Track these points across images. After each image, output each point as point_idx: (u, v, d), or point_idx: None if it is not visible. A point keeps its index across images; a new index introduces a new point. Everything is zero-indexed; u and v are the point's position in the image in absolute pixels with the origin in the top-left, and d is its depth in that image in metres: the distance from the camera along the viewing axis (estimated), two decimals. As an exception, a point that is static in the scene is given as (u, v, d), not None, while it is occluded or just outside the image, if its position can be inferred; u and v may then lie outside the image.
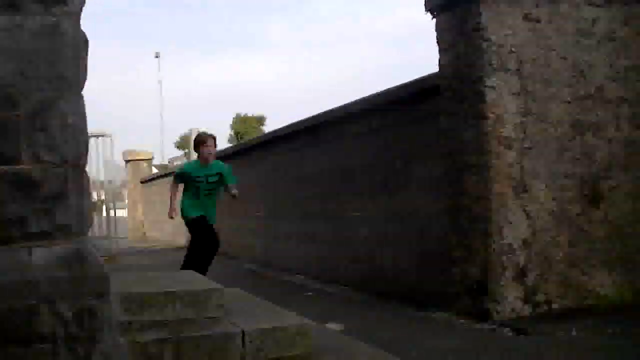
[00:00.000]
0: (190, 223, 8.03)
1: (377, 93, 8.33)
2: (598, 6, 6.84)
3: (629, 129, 6.94)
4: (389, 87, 8.10)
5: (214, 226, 8.03)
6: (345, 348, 4.83)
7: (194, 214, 7.94)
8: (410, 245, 7.65)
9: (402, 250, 7.78)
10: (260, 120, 57.01)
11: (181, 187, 8.35)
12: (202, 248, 7.87)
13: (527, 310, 6.22)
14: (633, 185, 6.93)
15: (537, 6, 6.50)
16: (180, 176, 8.37)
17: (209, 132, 8.16)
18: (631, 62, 7.03)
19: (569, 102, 6.61)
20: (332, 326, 6.02)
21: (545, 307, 6.33)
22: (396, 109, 7.92)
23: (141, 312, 4.17)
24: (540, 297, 6.31)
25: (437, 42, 6.77)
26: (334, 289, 8.76)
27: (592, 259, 6.63)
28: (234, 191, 7.94)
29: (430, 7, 6.82)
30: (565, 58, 6.63)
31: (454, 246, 6.54)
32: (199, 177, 7.93)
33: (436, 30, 6.79)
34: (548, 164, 6.46)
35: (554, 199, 6.47)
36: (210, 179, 7.96)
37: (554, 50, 6.57)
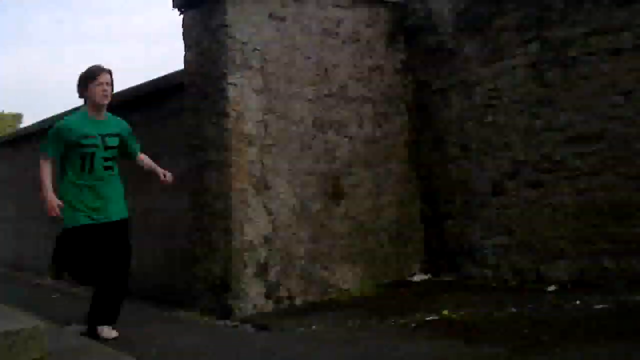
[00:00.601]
0: (70, 234, 5.46)
1: (125, 90, 8.43)
2: (343, 7, 7.47)
3: (371, 127, 7.68)
4: (137, 83, 8.32)
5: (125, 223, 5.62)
6: (83, 349, 4.92)
7: (81, 218, 5.37)
8: (156, 244, 7.93)
9: (148, 249, 7.97)
10: (17, 117, 54.89)
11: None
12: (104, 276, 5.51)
13: (269, 306, 6.66)
14: (373, 182, 7.64)
15: (283, 6, 6.97)
16: (56, 139, 5.37)
17: None
18: (375, 63, 7.78)
19: (312, 101, 7.14)
20: (74, 328, 6.04)
21: (288, 303, 6.80)
22: (144, 106, 8.13)
23: None
24: (282, 293, 6.78)
25: (184, 38, 7.00)
26: (80, 291, 8.88)
27: (334, 254, 7.23)
28: (168, 175, 5.83)
29: (178, 4, 7.06)
30: (309, 57, 7.17)
31: (197, 244, 6.80)
32: (90, 136, 5.38)
33: (183, 26, 7.01)
34: (290, 161, 6.92)
35: (295, 195, 6.94)
36: (110, 141, 5.49)
37: (299, 49, 7.08)
